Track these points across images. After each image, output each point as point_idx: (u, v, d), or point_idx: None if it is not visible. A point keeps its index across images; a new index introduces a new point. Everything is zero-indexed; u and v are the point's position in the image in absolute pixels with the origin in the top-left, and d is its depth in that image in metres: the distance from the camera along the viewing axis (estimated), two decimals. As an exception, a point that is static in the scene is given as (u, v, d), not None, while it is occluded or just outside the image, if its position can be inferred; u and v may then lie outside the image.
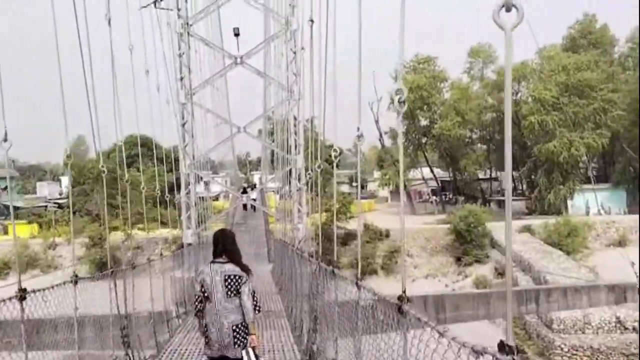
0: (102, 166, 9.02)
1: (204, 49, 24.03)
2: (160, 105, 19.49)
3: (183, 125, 18.92)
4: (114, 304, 8.20)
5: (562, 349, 24.02)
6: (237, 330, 6.16)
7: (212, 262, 6.40)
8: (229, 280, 6.20)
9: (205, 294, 6.25)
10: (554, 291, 20.70)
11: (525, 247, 35.24)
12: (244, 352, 6.19)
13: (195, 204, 20.24)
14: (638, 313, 23.25)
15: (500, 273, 35.10)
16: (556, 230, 37.53)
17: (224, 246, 6.42)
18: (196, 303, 6.38)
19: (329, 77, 10.80)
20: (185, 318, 13.99)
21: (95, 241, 41.62)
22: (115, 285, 8.20)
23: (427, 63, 60.61)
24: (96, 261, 38.48)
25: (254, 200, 38.01)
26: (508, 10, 2.61)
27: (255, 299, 6.34)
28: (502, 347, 2.65)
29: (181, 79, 18.67)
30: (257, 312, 6.37)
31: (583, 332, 25.02)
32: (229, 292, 6.18)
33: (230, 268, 6.26)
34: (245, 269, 6.34)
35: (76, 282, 6.82)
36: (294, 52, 18.96)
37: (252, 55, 19.82)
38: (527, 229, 39.65)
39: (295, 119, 19.46)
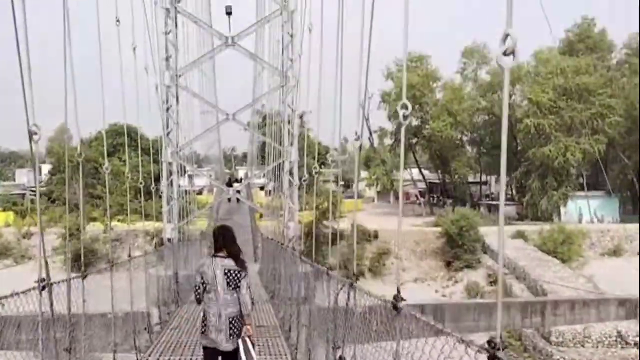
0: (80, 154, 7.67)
1: (193, 29, 22.19)
2: (147, 91, 17.77)
3: (167, 110, 17.36)
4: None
5: (560, 363, 22.78)
6: (233, 322, 6.39)
7: (214, 255, 6.61)
8: (229, 274, 6.42)
9: (204, 285, 6.44)
10: (561, 304, 19.34)
11: (519, 254, 33.99)
12: (239, 341, 6.43)
13: (178, 197, 18.71)
14: (638, 324, 22.03)
15: (492, 281, 33.91)
16: (551, 237, 36.35)
17: (225, 241, 6.61)
18: (197, 292, 6.56)
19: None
20: (160, 330, 11.48)
21: (72, 232, 39.91)
22: (52, 304, 6.09)
23: (420, 61, 59.12)
24: (72, 253, 36.83)
25: (238, 192, 36.48)
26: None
27: (250, 292, 6.60)
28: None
29: (167, 58, 17.09)
30: (252, 304, 6.68)
31: (582, 346, 23.73)
32: (229, 285, 6.40)
33: (230, 263, 6.47)
34: (243, 265, 6.58)
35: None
36: (291, 36, 17.47)
37: (245, 36, 18.29)
38: (521, 235, 38.49)
39: (290, 107, 17.94)
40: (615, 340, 23.85)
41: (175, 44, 17.16)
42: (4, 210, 48.30)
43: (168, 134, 17.53)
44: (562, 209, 48.35)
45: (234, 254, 6.58)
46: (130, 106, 15.48)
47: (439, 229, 39.68)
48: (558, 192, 47.02)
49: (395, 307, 3.93)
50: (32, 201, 50.29)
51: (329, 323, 6.77)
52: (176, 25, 17.24)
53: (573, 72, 46.82)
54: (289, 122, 18.05)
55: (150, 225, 35.38)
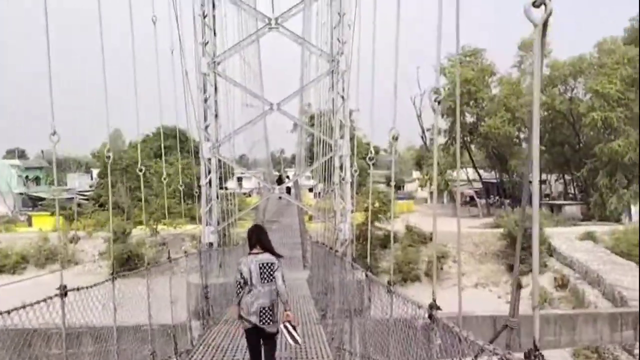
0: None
1: (233, 11, 20.20)
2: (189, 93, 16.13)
3: (205, 100, 15.70)
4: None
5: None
6: (264, 311, 6.99)
7: (249, 253, 7.29)
8: (263, 268, 7.10)
9: (244, 281, 7.09)
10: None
11: (590, 257, 31.23)
12: (281, 326, 7.06)
13: (220, 197, 17.02)
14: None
15: (560, 285, 31.30)
16: (624, 238, 33.41)
17: (258, 238, 7.35)
18: (238, 287, 7.17)
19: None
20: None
21: (118, 235, 39.17)
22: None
23: (474, 56, 56.69)
24: (118, 257, 35.95)
25: (289, 190, 34.67)
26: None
27: (285, 282, 7.16)
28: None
29: (204, 44, 15.44)
30: (287, 294, 7.23)
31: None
32: (263, 279, 7.06)
33: (264, 257, 7.18)
34: (277, 255, 7.30)
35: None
36: (340, 15, 15.60)
37: (290, 17, 16.47)
38: (590, 236, 35.64)
39: (340, 95, 16.06)
40: None
41: (213, 27, 15.50)
42: (52, 214, 47.94)
43: (206, 127, 15.86)
44: (633, 208, 45.09)
45: (267, 247, 7.25)
46: (174, 107, 14.12)
47: (499, 230, 37.24)
48: (629, 189, 43.70)
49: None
50: (80, 205, 49.86)
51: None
52: (214, 6, 15.60)
53: (641, 62, 43.58)
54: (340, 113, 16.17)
55: (198, 229, 34.18)
